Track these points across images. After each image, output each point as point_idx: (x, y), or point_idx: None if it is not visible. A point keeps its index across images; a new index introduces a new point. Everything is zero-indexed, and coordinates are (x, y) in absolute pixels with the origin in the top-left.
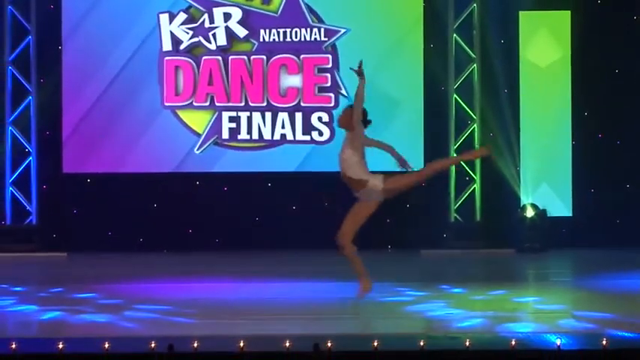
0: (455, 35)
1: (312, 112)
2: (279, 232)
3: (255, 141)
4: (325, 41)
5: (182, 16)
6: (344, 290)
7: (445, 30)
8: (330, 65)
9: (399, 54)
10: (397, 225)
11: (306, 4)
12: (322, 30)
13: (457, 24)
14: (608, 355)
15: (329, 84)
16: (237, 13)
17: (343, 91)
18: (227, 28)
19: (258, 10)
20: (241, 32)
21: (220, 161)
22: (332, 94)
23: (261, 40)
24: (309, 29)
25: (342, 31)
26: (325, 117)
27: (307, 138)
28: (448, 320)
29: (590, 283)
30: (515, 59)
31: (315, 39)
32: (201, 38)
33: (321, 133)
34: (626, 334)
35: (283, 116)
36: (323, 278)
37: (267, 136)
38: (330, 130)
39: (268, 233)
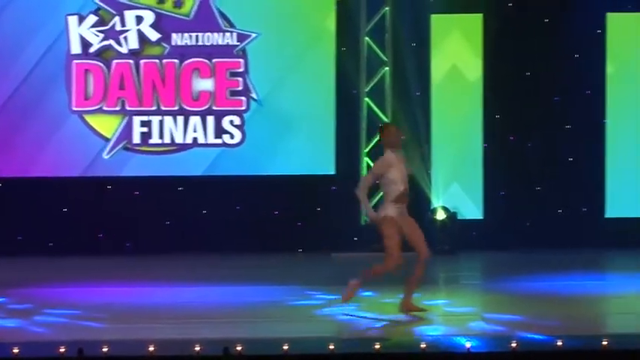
0: (367, 39)
1: (224, 116)
2: (190, 235)
3: (166, 145)
4: (237, 45)
5: (92, 19)
6: (254, 294)
7: (357, 33)
8: (241, 69)
9: (311, 57)
10: (308, 228)
11: (217, 9)
12: (234, 34)
13: (369, 27)
14: (517, 357)
15: (240, 88)
16: (149, 17)
17: (254, 95)
18: (139, 32)
19: (170, 14)
20: (153, 36)
21: (131, 165)
22: (243, 98)
23: (174, 43)
24: (220, 33)
25: (253, 35)
26: (237, 120)
27: (219, 141)
28: (359, 323)
29: (500, 285)
30: (426, 62)
31: (227, 43)
32: (112, 41)
33: (232, 136)
34: (535, 336)
35: (195, 120)
36: (234, 282)
37: (178, 139)
38: (242, 134)
39: (179, 237)
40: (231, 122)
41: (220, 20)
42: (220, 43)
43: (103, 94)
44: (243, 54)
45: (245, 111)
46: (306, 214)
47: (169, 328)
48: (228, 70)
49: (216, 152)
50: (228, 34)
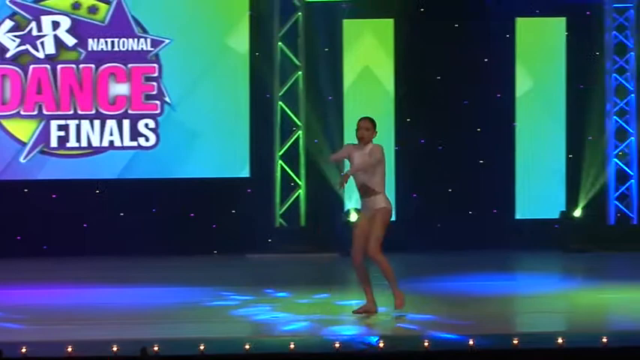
0: (280, 44)
1: (140, 119)
2: (107, 238)
3: (83, 148)
4: (151, 51)
5: (8, 24)
6: (171, 295)
7: (271, 38)
8: (156, 74)
9: (225, 62)
10: (223, 230)
11: (131, 15)
12: (148, 40)
13: (282, 32)
14: (430, 356)
15: (155, 92)
16: (65, 22)
17: (167, 99)
18: (55, 37)
19: (86, 20)
20: (70, 41)
21: (48, 169)
22: (158, 102)
23: (89, 49)
24: (135, 39)
25: (167, 41)
26: (151, 123)
27: (134, 144)
28: (274, 324)
29: (412, 285)
30: (339, 67)
31: (142, 49)
32: (28, 46)
33: (147, 139)
34: (447, 336)
35: (111, 123)
36: (150, 283)
37: (95, 143)
38: (156, 136)
39: (97, 239)
40: (146, 125)
41: (134, 26)
42: (135, 48)
43: (20, 99)
44: (156, 59)
45: (159, 114)
46: (222, 216)
47: (87, 328)
48: (143, 74)
49: (132, 155)
50: (142, 40)
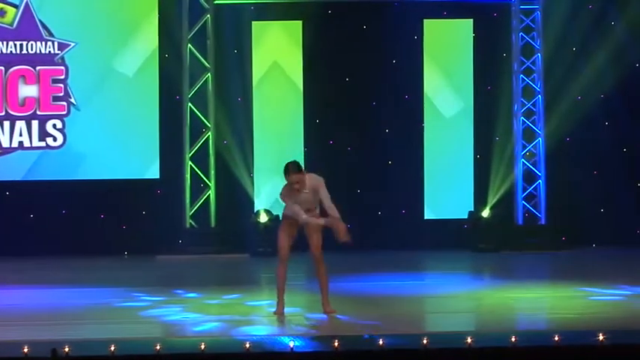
0: (189, 45)
1: (48, 120)
2: (17, 239)
3: None
4: (57, 54)
5: None
6: (81, 296)
7: (180, 40)
8: (63, 76)
9: (135, 64)
10: (133, 231)
11: (39, 19)
12: (55, 43)
13: (191, 34)
14: (340, 356)
15: (62, 94)
16: None
17: (73, 100)
18: None
19: None
20: None
21: None
22: (65, 103)
23: None
24: (43, 42)
25: (72, 44)
26: (59, 124)
27: (43, 144)
28: (185, 324)
29: None
30: (248, 68)
31: (49, 52)
32: None
33: (55, 139)
34: (358, 335)
35: (21, 124)
36: (61, 284)
37: (5, 144)
38: (63, 136)
39: (6, 241)
40: (54, 126)
41: (42, 29)
42: (43, 51)
43: None
44: (62, 62)
45: (66, 115)
46: (132, 217)
47: None
48: (51, 77)
49: (40, 156)
50: (50, 43)
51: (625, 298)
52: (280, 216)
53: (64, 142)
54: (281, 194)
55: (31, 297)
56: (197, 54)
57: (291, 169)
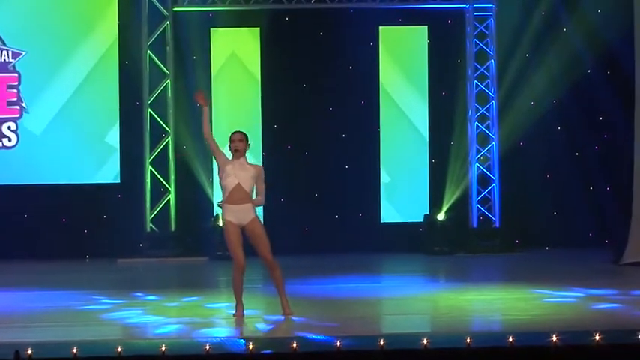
0: (149, 52)
1: (3, 123)
2: None
3: None
4: (11, 62)
5: None
6: (43, 299)
7: (139, 47)
8: (17, 82)
9: (95, 71)
10: (94, 235)
11: None
12: (10, 52)
13: (151, 41)
14: (298, 357)
15: (16, 98)
16: None
17: (24, 104)
18: None
19: None
20: None
21: None
22: (18, 107)
23: None
24: None
25: (24, 53)
26: (13, 126)
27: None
28: (146, 327)
29: None
30: (207, 75)
31: (5, 60)
32: None
33: (10, 140)
34: (315, 337)
35: None
36: (23, 287)
37: None
38: (17, 137)
39: None
40: (9, 128)
41: None
42: None
43: None
44: (14, 69)
45: (19, 118)
46: (93, 221)
47: None
48: (7, 83)
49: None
50: (5, 52)
51: (577, 300)
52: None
53: (17, 143)
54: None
55: None
56: (157, 60)
57: (236, 132)
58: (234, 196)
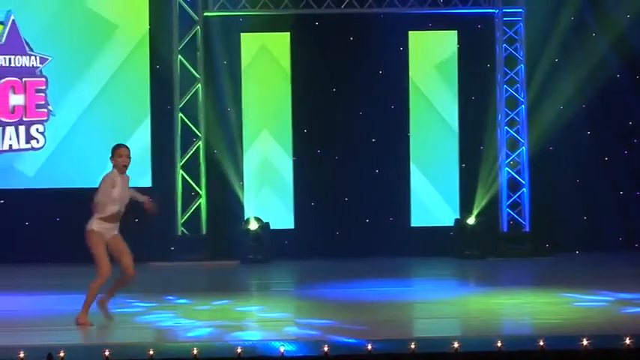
0: (180, 57)
1: (32, 125)
2: (11, 246)
3: None
4: (39, 67)
5: None
6: (75, 302)
7: (170, 52)
8: (45, 87)
9: (126, 76)
10: (126, 238)
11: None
12: (37, 57)
13: (181, 46)
14: None
15: (44, 102)
16: None
17: (50, 107)
18: None
19: None
20: None
21: None
22: (45, 110)
23: None
24: (27, 57)
25: (50, 58)
26: (41, 128)
27: (28, 146)
28: (177, 330)
29: (311, 292)
30: (237, 79)
31: (32, 65)
32: None
33: (38, 141)
34: (346, 340)
35: (10, 129)
36: (57, 291)
37: None
38: (45, 139)
39: (3, 248)
40: (37, 130)
41: (26, 45)
42: (27, 64)
43: None
44: (41, 73)
45: (46, 120)
46: (124, 225)
47: None
48: (35, 87)
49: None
50: (33, 57)
51: (608, 304)
52: (269, 224)
53: (45, 144)
54: (97, 196)
55: (27, 303)
56: (187, 65)
57: (124, 146)
58: (114, 213)
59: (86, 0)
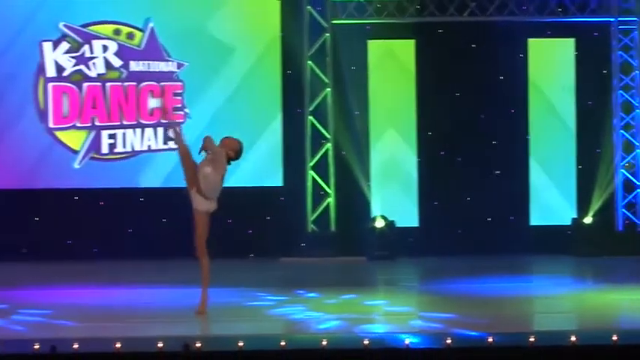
0: (310, 62)
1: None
2: (151, 242)
3: (127, 152)
4: (176, 72)
5: (65, 45)
6: (211, 296)
7: (301, 58)
8: (182, 90)
9: (258, 80)
10: (258, 235)
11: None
12: (174, 63)
13: (312, 52)
14: (452, 353)
15: (181, 105)
16: (113, 46)
17: (187, 110)
18: (105, 59)
19: (126, 44)
20: (116, 62)
21: (96, 176)
22: (182, 112)
23: (130, 69)
24: (164, 62)
25: (187, 64)
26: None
27: (166, 147)
28: (307, 322)
29: (435, 287)
30: (364, 84)
31: (170, 70)
32: (82, 66)
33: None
34: (468, 333)
35: (149, 131)
36: (191, 285)
37: (137, 147)
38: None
39: (142, 244)
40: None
41: (163, 51)
42: (165, 69)
43: (78, 113)
44: (177, 78)
45: (183, 122)
46: (257, 222)
47: (133, 326)
48: (173, 91)
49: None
50: (170, 63)
51: None
52: (395, 222)
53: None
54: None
55: (164, 296)
56: (317, 70)
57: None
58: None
59: (221, 8)
